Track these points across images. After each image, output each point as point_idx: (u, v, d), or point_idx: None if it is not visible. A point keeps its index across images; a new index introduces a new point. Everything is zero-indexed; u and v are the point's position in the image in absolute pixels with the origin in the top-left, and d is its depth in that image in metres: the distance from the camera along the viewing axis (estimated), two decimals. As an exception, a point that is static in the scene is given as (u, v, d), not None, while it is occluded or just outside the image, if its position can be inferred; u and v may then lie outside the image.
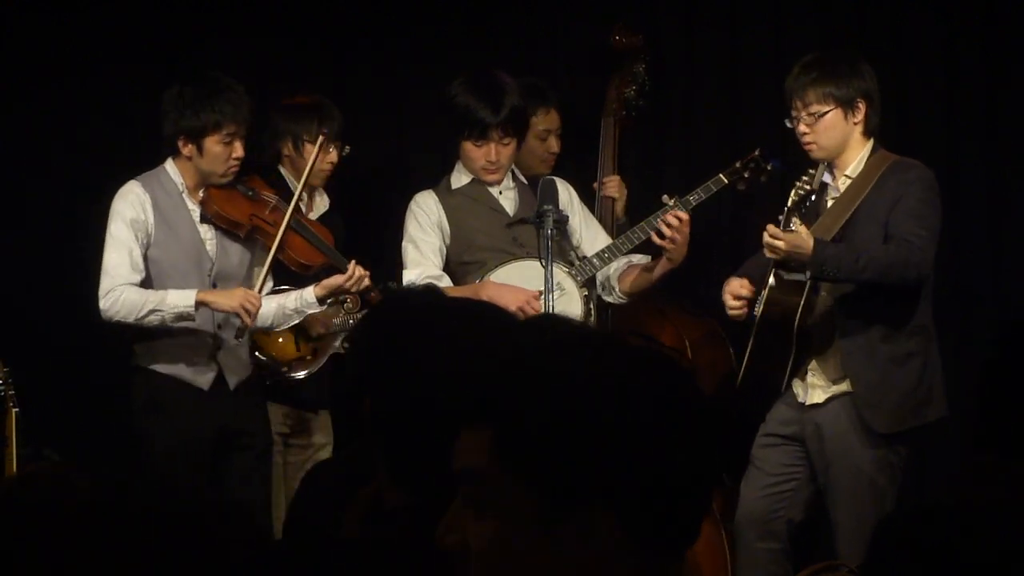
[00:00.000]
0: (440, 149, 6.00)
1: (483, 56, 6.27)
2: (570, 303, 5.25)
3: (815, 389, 5.02)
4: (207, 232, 5.29)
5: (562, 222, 5.26)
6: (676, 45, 6.27)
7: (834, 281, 4.88)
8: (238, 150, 5.19)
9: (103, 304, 5.17)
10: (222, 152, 5.18)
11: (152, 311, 5.15)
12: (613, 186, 5.91)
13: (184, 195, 5.27)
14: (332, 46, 6.52)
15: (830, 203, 4.98)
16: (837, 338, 4.97)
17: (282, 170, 5.58)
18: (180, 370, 5.26)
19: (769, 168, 5.33)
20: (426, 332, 2.24)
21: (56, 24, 6.23)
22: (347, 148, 5.54)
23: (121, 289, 5.15)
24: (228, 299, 5.15)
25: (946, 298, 5.75)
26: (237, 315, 5.14)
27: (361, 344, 2.36)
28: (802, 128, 5.00)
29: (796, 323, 4.94)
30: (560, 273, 5.25)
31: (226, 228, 5.28)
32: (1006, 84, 5.98)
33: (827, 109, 4.96)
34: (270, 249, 5.22)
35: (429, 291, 2.44)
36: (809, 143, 5.01)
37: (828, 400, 4.99)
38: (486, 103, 5.23)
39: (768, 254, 4.85)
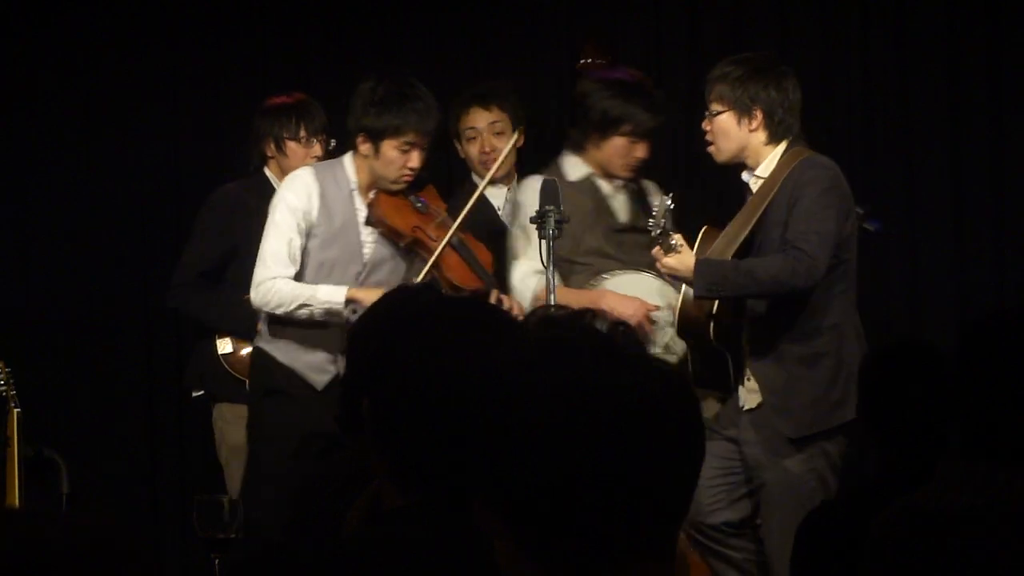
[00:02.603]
0: (441, 149, 6.00)
1: (483, 58, 6.28)
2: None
3: (751, 394, 4.93)
4: (368, 235, 5.19)
5: (563, 223, 5.22)
6: (677, 45, 6.27)
7: (722, 299, 4.82)
8: (414, 160, 5.08)
9: (254, 295, 5.08)
10: (397, 159, 5.07)
11: (302, 305, 5.05)
12: None
13: (354, 192, 5.17)
14: (332, 45, 6.51)
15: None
16: (750, 347, 4.90)
17: (267, 172, 5.54)
18: (299, 363, 5.17)
19: (871, 229, 5.19)
20: (424, 332, 2.23)
21: (55, 24, 6.23)
22: (332, 142, 5.48)
23: (273, 281, 5.06)
24: (374, 296, 5.05)
25: (946, 296, 5.75)
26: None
27: (359, 344, 2.36)
28: (704, 125, 4.97)
29: (711, 334, 4.89)
30: (668, 290, 5.18)
31: (387, 235, 5.18)
32: (1007, 84, 5.98)
33: (721, 110, 4.89)
34: (427, 263, 5.14)
35: (428, 291, 2.44)
36: (709, 143, 4.96)
37: (759, 404, 4.92)
38: (644, 106, 5.29)
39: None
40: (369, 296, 4.98)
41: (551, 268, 5.09)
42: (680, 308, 4.94)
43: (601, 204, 5.38)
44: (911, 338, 4.98)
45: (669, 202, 4.77)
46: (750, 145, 4.89)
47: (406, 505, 2.17)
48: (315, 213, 5.11)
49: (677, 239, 4.69)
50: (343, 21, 6.40)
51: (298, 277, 5.10)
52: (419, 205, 5.19)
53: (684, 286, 4.88)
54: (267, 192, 5.35)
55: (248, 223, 5.32)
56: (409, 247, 5.20)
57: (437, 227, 5.18)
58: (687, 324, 4.94)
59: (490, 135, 5.61)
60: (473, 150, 5.63)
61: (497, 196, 5.65)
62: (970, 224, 5.98)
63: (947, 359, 3.70)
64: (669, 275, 4.84)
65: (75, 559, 1.37)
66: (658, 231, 4.71)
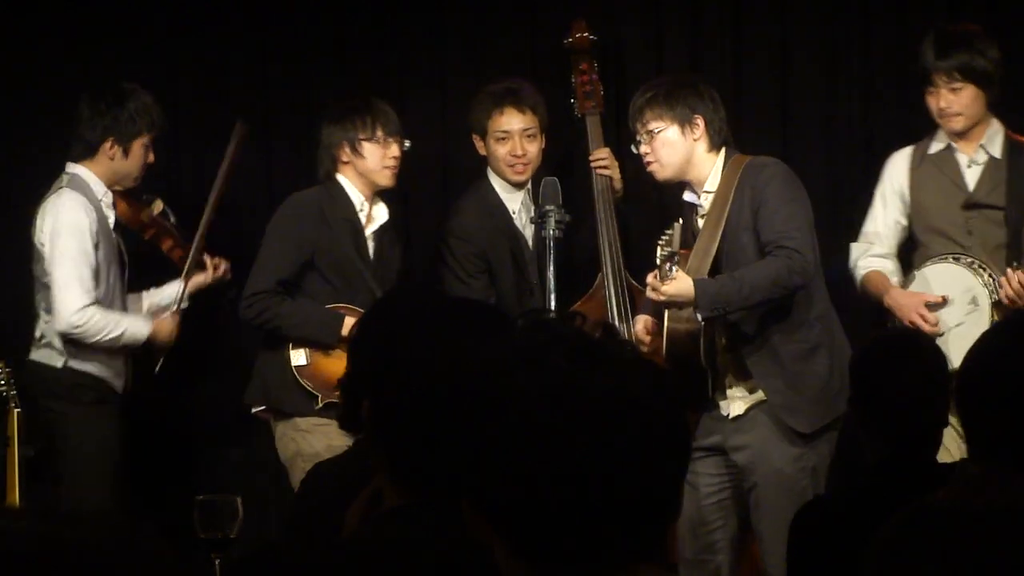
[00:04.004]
0: (442, 151, 6.00)
1: (483, 55, 6.27)
2: (978, 325, 4.93)
3: (735, 401, 4.92)
4: (118, 237, 5.53)
5: (564, 223, 5.21)
6: (680, 45, 6.26)
7: (726, 316, 4.79)
8: (151, 157, 5.46)
9: (77, 319, 5.30)
10: (143, 156, 5.42)
11: (112, 337, 5.35)
12: (603, 156, 5.65)
13: (104, 201, 5.45)
14: (331, 45, 6.50)
15: (701, 222, 4.90)
16: (741, 350, 4.88)
17: (341, 178, 5.38)
18: (103, 371, 5.43)
19: None
20: (423, 334, 2.24)
21: (55, 23, 6.23)
22: (407, 143, 5.40)
23: (92, 310, 5.30)
24: (167, 334, 5.47)
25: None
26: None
27: (360, 346, 2.36)
28: (643, 149, 4.95)
29: (702, 353, 4.85)
30: (976, 283, 5.07)
31: (135, 229, 5.56)
32: (1008, 84, 5.97)
33: (663, 126, 4.90)
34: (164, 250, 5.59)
35: (427, 291, 2.45)
36: (651, 163, 4.95)
37: (748, 410, 4.90)
38: (932, 49, 5.16)
39: (654, 298, 4.80)
40: (159, 334, 5.46)
41: (551, 268, 5.09)
42: (667, 330, 4.89)
43: (956, 179, 5.23)
44: (901, 329, 5.01)
45: (680, 226, 4.78)
46: (695, 155, 4.93)
47: (406, 505, 2.18)
48: (95, 227, 5.38)
49: (673, 266, 4.67)
50: (343, 21, 6.39)
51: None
52: (145, 197, 5.62)
53: (667, 310, 4.85)
54: (343, 199, 5.35)
55: (325, 232, 5.31)
56: (152, 239, 5.59)
57: (161, 215, 5.62)
58: (676, 345, 4.88)
59: (522, 139, 5.53)
60: (502, 150, 5.53)
61: (514, 200, 5.60)
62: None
63: (937, 349, 3.72)
64: (669, 302, 4.78)
65: (104, 558, 1.37)
66: (666, 255, 4.68)
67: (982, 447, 2.44)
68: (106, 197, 5.44)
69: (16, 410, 5.37)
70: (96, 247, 5.33)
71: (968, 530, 2.31)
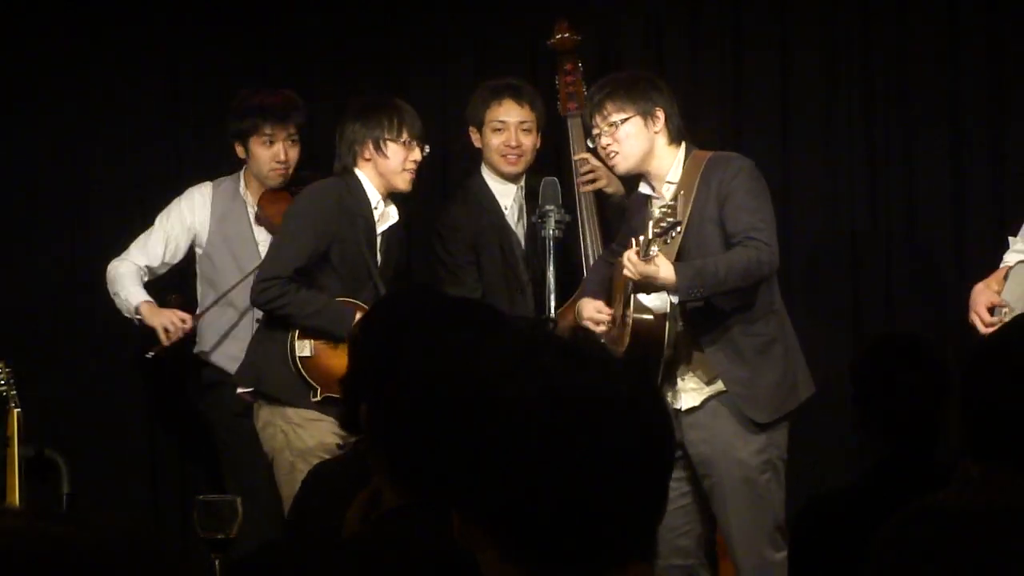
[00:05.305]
0: (442, 150, 6.00)
1: (484, 55, 6.28)
2: None
3: (689, 393, 4.89)
4: (262, 234, 5.55)
5: (564, 223, 5.21)
6: (680, 45, 6.27)
7: (701, 299, 4.77)
8: (280, 154, 5.48)
9: (112, 263, 5.58)
10: (264, 153, 5.48)
11: (114, 293, 5.56)
12: (590, 167, 5.56)
13: (245, 196, 5.60)
14: (330, 42, 6.51)
15: (657, 213, 4.83)
16: (699, 341, 4.87)
17: (360, 173, 5.29)
18: (231, 364, 5.49)
19: None
20: (424, 333, 2.24)
21: (56, 22, 6.23)
22: (426, 148, 5.35)
23: (117, 263, 5.56)
24: (156, 316, 5.48)
25: (948, 294, 5.74)
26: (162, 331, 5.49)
27: (358, 350, 2.37)
28: (603, 140, 4.95)
29: (666, 344, 4.81)
30: None
31: (273, 230, 5.45)
32: (1008, 80, 5.97)
33: (625, 116, 4.91)
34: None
35: (427, 291, 2.45)
36: (613, 154, 4.95)
37: (704, 402, 4.88)
38: None
39: (628, 275, 4.76)
40: (148, 314, 5.50)
41: (551, 268, 5.08)
42: (633, 321, 4.84)
43: None
44: (902, 331, 5.01)
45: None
46: (656, 147, 4.95)
47: (406, 505, 2.18)
48: (206, 226, 5.59)
49: (653, 247, 4.64)
50: (343, 19, 6.39)
51: (198, 277, 5.65)
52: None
53: (634, 296, 4.83)
54: (361, 195, 5.28)
55: (343, 225, 5.25)
56: None
57: None
58: (640, 338, 4.83)
59: (518, 131, 5.53)
60: (496, 141, 5.52)
61: (505, 195, 5.60)
62: (972, 222, 5.96)
63: (938, 350, 3.74)
64: (644, 281, 4.72)
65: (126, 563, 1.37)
66: (668, 224, 4.61)
67: (982, 447, 2.44)
68: (246, 196, 5.59)
69: (16, 410, 5.38)
70: (194, 240, 5.58)
71: (968, 530, 2.31)
